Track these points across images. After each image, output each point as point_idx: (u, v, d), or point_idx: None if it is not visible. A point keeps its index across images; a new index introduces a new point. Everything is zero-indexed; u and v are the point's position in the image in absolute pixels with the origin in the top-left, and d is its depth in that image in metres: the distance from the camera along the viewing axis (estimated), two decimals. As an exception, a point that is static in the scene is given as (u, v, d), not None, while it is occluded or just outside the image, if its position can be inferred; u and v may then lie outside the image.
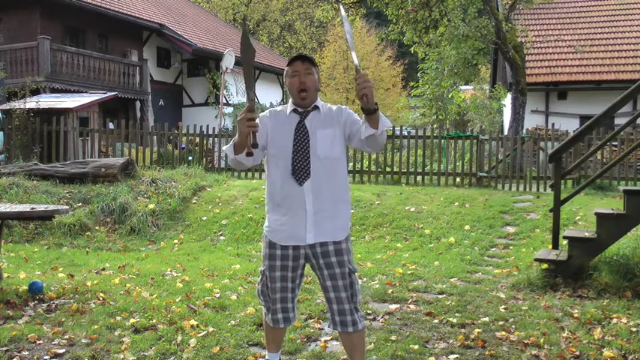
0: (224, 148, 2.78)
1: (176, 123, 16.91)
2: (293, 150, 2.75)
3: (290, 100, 2.86)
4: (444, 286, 5.10)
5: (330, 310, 2.85)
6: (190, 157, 11.91)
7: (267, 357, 3.09)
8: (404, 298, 4.71)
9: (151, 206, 8.64)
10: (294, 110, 2.81)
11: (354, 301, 2.82)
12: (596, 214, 5.18)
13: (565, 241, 5.24)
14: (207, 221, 8.57)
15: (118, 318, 4.04)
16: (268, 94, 23.53)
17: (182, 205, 9.04)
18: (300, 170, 2.73)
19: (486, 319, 4.13)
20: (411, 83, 20.06)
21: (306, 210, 2.74)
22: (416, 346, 3.55)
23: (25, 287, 4.71)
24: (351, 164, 11.38)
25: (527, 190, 10.50)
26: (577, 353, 3.48)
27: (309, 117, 2.80)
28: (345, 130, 2.79)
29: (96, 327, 3.85)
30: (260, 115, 2.85)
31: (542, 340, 3.66)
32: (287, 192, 2.76)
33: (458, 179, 11.13)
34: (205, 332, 3.76)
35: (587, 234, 5.17)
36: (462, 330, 3.90)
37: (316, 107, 2.82)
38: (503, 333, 3.82)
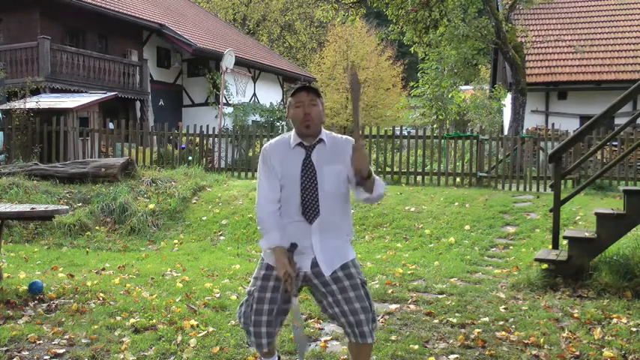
0: (261, 244, 2.73)
1: (176, 123, 16.88)
2: (301, 188, 2.67)
3: (293, 131, 2.76)
4: (444, 286, 5.10)
5: (348, 325, 2.70)
6: (190, 157, 11.92)
7: None
8: (404, 298, 4.71)
9: (151, 206, 8.64)
10: (300, 144, 2.71)
11: (372, 311, 2.73)
12: (596, 214, 5.18)
13: (565, 241, 5.24)
14: (207, 221, 8.57)
15: (118, 318, 4.04)
16: (268, 94, 23.53)
17: (182, 205, 9.04)
18: (310, 209, 2.67)
19: (486, 319, 4.13)
20: (411, 83, 20.05)
21: (312, 246, 2.68)
22: (416, 346, 3.55)
23: (25, 287, 4.72)
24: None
25: (527, 190, 10.50)
26: (577, 353, 3.48)
27: (314, 151, 2.70)
28: (348, 171, 2.69)
29: (96, 327, 3.85)
30: (264, 151, 2.75)
31: (542, 340, 3.66)
32: (295, 228, 2.69)
33: (458, 179, 11.13)
34: (205, 332, 3.76)
35: (587, 234, 5.17)
36: (462, 330, 3.90)
37: (321, 140, 2.72)
38: (503, 333, 3.82)
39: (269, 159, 2.72)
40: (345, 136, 2.82)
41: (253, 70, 22.42)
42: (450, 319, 4.09)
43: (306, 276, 2.73)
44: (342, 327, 2.78)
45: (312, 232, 2.68)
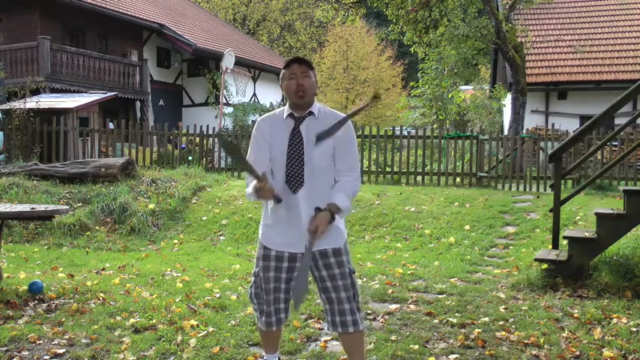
0: (247, 193, 2.76)
1: (176, 123, 16.90)
2: (287, 157, 2.72)
3: (287, 104, 2.81)
4: (444, 286, 5.10)
5: (330, 312, 2.80)
6: (190, 157, 11.92)
7: (265, 359, 3.09)
8: (404, 298, 4.71)
9: (151, 206, 8.64)
10: (290, 115, 2.77)
11: (356, 300, 2.80)
12: (596, 214, 5.18)
13: (565, 241, 5.24)
14: (207, 221, 8.56)
15: (118, 318, 4.04)
16: (268, 94, 23.53)
17: (182, 205, 9.04)
18: (294, 179, 2.71)
19: (486, 319, 4.13)
20: (411, 83, 20.05)
21: (301, 219, 2.71)
22: (416, 346, 3.55)
23: (25, 287, 4.72)
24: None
25: (527, 190, 10.50)
26: (577, 353, 3.48)
27: (304, 123, 2.74)
28: (334, 149, 2.75)
29: (96, 327, 3.85)
30: (257, 123, 2.83)
31: (542, 340, 3.66)
32: (282, 199, 2.72)
33: (458, 179, 11.13)
34: (205, 332, 3.76)
35: (587, 234, 5.17)
36: (462, 330, 3.90)
37: (312, 113, 2.76)
38: (503, 333, 3.82)
39: (261, 128, 2.80)
40: (337, 112, 2.85)
41: (253, 70, 22.42)
42: (450, 319, 4.09)
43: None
44: (325, 313, 2.87)
45: (298, 203, 2.71)
